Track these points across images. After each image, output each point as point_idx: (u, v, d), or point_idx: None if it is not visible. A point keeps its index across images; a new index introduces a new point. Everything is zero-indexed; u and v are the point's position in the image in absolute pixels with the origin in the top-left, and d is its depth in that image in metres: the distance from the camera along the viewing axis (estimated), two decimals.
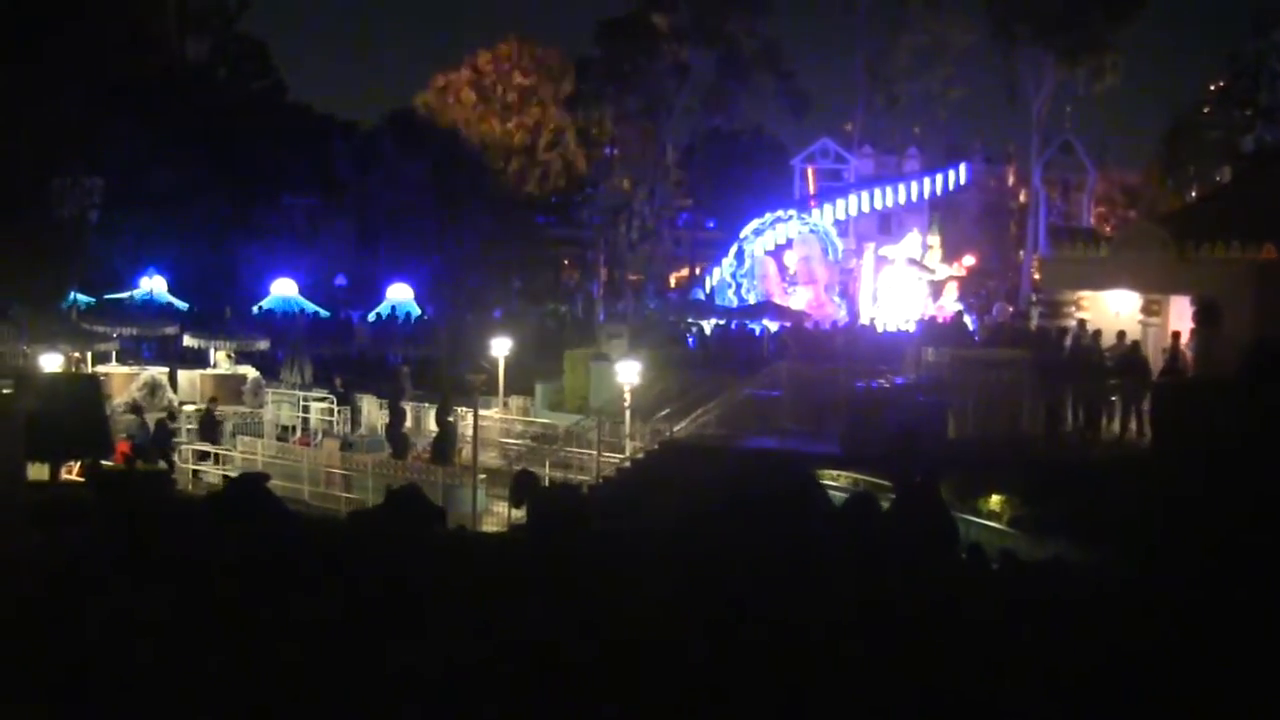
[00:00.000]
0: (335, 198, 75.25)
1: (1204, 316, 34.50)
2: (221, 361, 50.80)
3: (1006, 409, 34.61)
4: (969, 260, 71.15)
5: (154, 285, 63.80)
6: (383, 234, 73.83)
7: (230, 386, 48.43)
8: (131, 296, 63.23)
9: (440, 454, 39.20)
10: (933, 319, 56.85)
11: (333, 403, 45.00)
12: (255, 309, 64.01)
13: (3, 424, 22.30)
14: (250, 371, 49.43)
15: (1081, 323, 38.88)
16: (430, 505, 24.03)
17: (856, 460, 31.46)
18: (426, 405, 44.30)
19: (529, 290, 76.60)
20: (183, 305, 62.52)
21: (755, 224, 65.35)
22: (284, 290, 66.73)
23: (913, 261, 66.41)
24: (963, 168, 72.22)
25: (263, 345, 51.54)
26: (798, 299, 64.00)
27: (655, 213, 70.98)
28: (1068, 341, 37.19)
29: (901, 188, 70.66)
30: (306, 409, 46.72)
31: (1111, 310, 39.38)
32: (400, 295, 67.86)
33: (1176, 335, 35.46)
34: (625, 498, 32.12)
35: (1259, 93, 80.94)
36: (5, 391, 30.14)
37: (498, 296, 70.31)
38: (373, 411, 45.94)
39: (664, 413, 37.98)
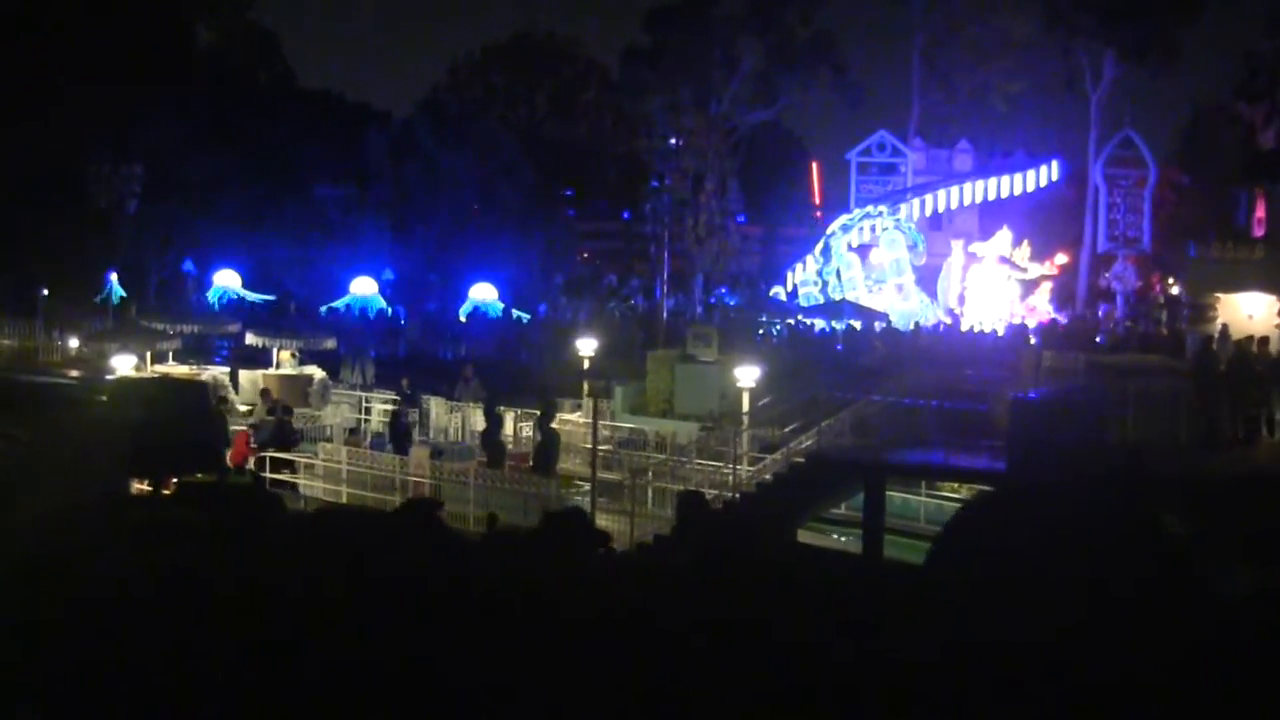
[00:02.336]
0: (389, 189, 73.18)
1: None
2: (285, 361, 48.20)
3: (1165, 420, 32.08)
4: (1061, 259, 68.77)
5: (226, 280, 60.38)
6: (436, 229, 71.71)
7: (296, 387, 45.77)
8: (199, 292, 60.61)
9: (543, 463, 36.70)
10: (1052, 321, 54.49)
11: (399, 404, 42.38)
12: (325, 308, 61.64)
13: (105, 436, 20.13)
14: (316, 372, 46.94)
15: (1224, 328, 36.53)
16: (593, 529, 22.28)
17: (1029, 480, 29.05)
18: (507, 409, 41.66)
19: (587, 286, 74.39)
20: (257, 298, 59.70)
21: (844, 219, 63.38)
22: (363, 289, 64.06)
23: (1004, 259, 63.96)
24: (1055, 164, 70.02)
25: (330, 344, 49.01)
26: (883, 298, 61.83)
27: (722, 207, 68.83)
28: (1214, 347, 34.72)
29: (993, 183, 68.56)
30: (368, 411, 44.63)
31: (1244, 313, 37.10)
32: (483, 295, 65.25)
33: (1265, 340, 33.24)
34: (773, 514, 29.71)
35: (1277, 91, 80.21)
36: (102, 398, 27.76)
37: (576, 293, 68.07)
38: (440, 414, 43.63)
39: (790, 427, 35.00)
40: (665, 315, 61.54)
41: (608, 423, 42.51)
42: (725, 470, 34.00)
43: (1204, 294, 37.45)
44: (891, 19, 77.86)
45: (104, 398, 32.52)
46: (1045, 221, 72.67)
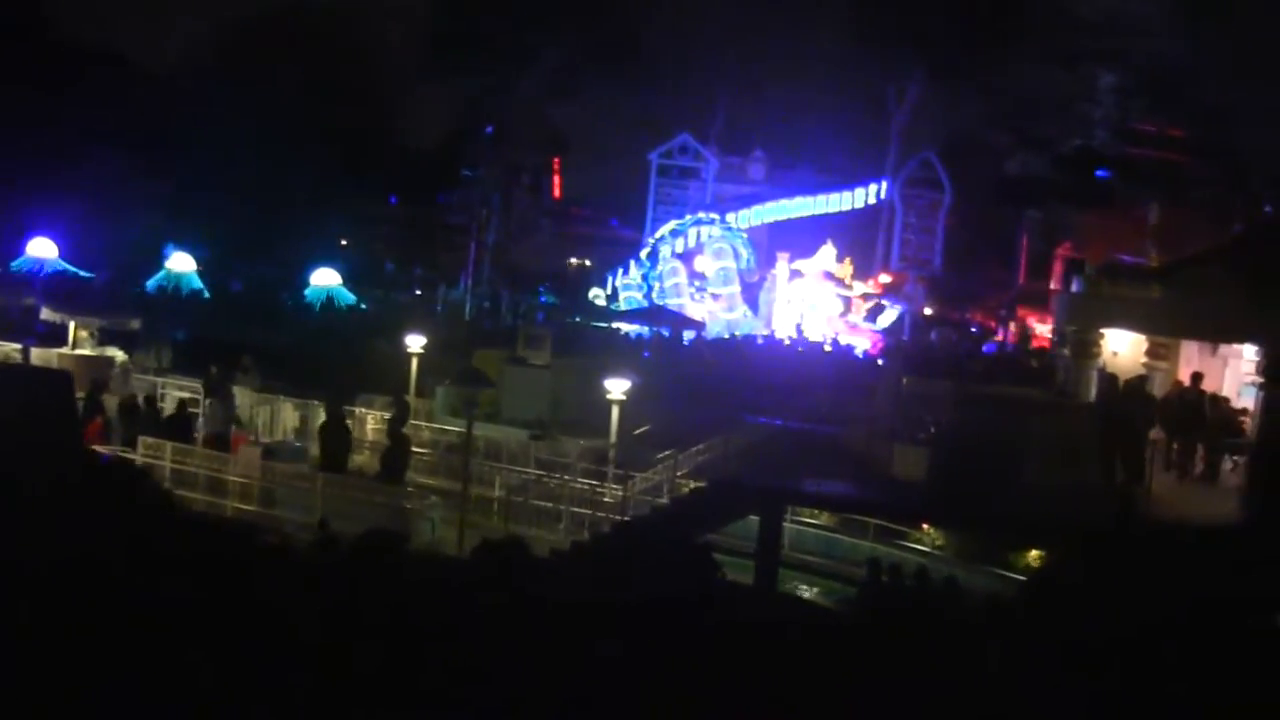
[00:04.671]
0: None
1: (1276, 372, 31.41)
2: (83, 341, 44.26)
3: (1069, 460, 30.96)
4: (885, 278, 68.20)
5: (41, 250, 54.56)
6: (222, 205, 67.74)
7: (96, 370, 41.74)
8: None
9: (392, 470, 33.95)
10: (898, 343, 53.60)
11: (199, 393, 39.05)
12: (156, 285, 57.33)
13: None
14: (118, 354, 43.31)
15: (1104, 366, 35.73)
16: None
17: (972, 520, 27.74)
18: (316, 404, 38.46)
19: (366, 275, 71.13)
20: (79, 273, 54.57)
21: (673, 224, 61.80)
22: (180, 265, 59.76)
23: (828, 275, 62.97)
24: (884, 184, 69.56)
25: (135, 325, 45.24)
26: (708, 306, 60.38)
27: (538, 203, 66.76)
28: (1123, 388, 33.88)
29: (819, 199, 67.83)
30: (163, 398, 41.03)
31: (1110, 350, 36.32)
32: (326, 280, 61.38)
33: (1198, 378, 32.60)
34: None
35: (1031, 121, 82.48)
36: None
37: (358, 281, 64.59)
38: (244, 406, 40.30)
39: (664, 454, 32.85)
40: (471, 310, 59.04)
41: (428, 425, 40.01)
42: (600, 490, 31.96)
43: (1083, 328, 36.39)
44: (705, 26, 76.82)
45: None
46: (836, 239, 72.34)
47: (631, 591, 20.25)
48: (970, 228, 75.50)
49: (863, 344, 57.43)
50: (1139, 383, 32.48)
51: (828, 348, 52.27)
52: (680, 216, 66.72)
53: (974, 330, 69.93)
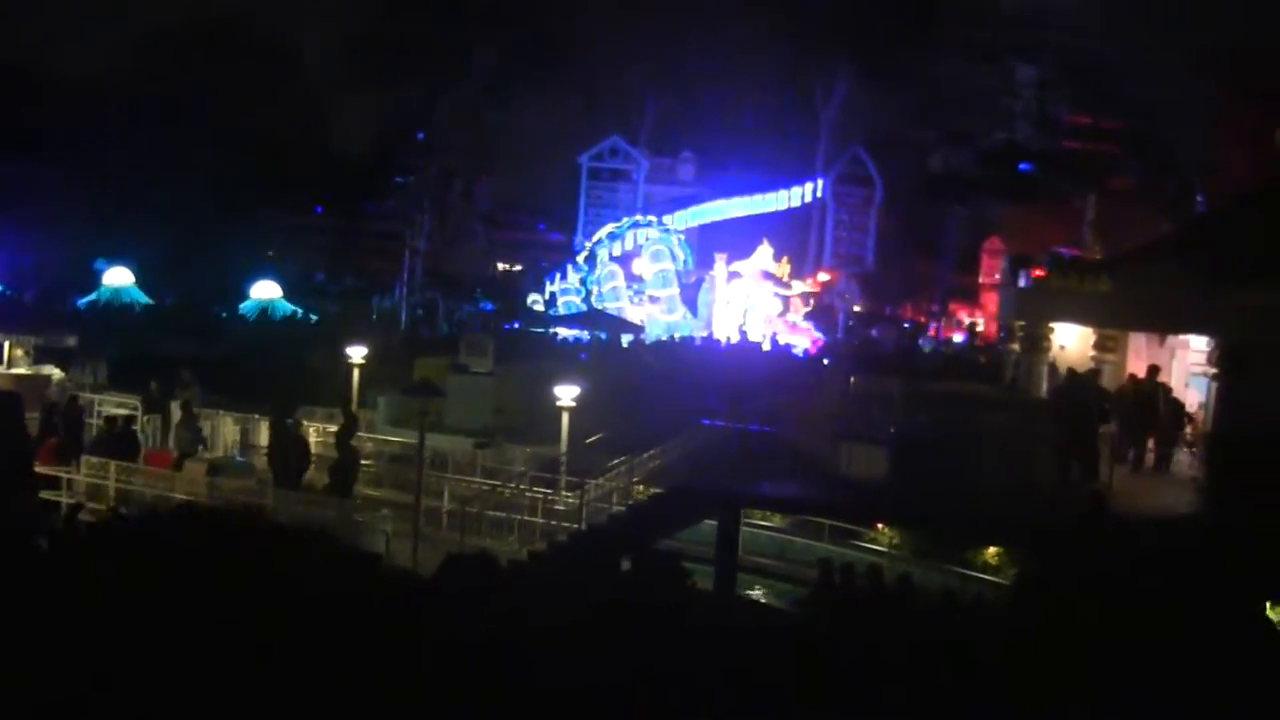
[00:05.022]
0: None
1: (1230, 363, 31.47)
2: (19, 359, 43.38)
3: (1022, 456, 30.87)
4: (824, 276, 68.07)
5: None
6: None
7: (33, 389, 40.88)
8: None
9: (341, 484, 33.34)
10: (839, 341, 53.46)
11: (138, 409, 38.36)
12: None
13: None
14: (55, 372, 42.43)
15: (1054, 361, 35.70)
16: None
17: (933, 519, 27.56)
18: (257, 417, 38.09)
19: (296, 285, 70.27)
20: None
21: (610, 228, 61.32)
22: (117, 280, 58.58)
23: (767, 275, 62.65)
24: (821, 182, 69.42)
25: (71, 341, 44.42)
26: (647, 309, 60.03)
27: (470, 209, 66.14)
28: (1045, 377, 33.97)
29: (757, 199, 67.61)
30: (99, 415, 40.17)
31: (1056, 344, 36.31)
32: (267, 292, 60.52)
33: (1155, 370, 32.62)
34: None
35: (952, 117, 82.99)
36: None
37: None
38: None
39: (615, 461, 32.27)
40: (404, 317, 58.39)
41: (369, 435, 39.43)
42: (554, 498, 31.46)
43: (1032, 323, 36.29)
44: (632, 29, 76.59)
45: None
46: (767, 238, 72.26)
47: (606, 601, 20.00)
48: (899, 224, 75.70)
49: (803, 343, 57.28)
50: (1093, 377, 32.45)
51: (766, 347, 51.99)
52: (611, 219, 66.50)
53: (907, 326, 70.07)
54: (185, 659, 12.34)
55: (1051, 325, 35.57)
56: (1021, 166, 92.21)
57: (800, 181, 70.74)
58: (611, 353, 50.48)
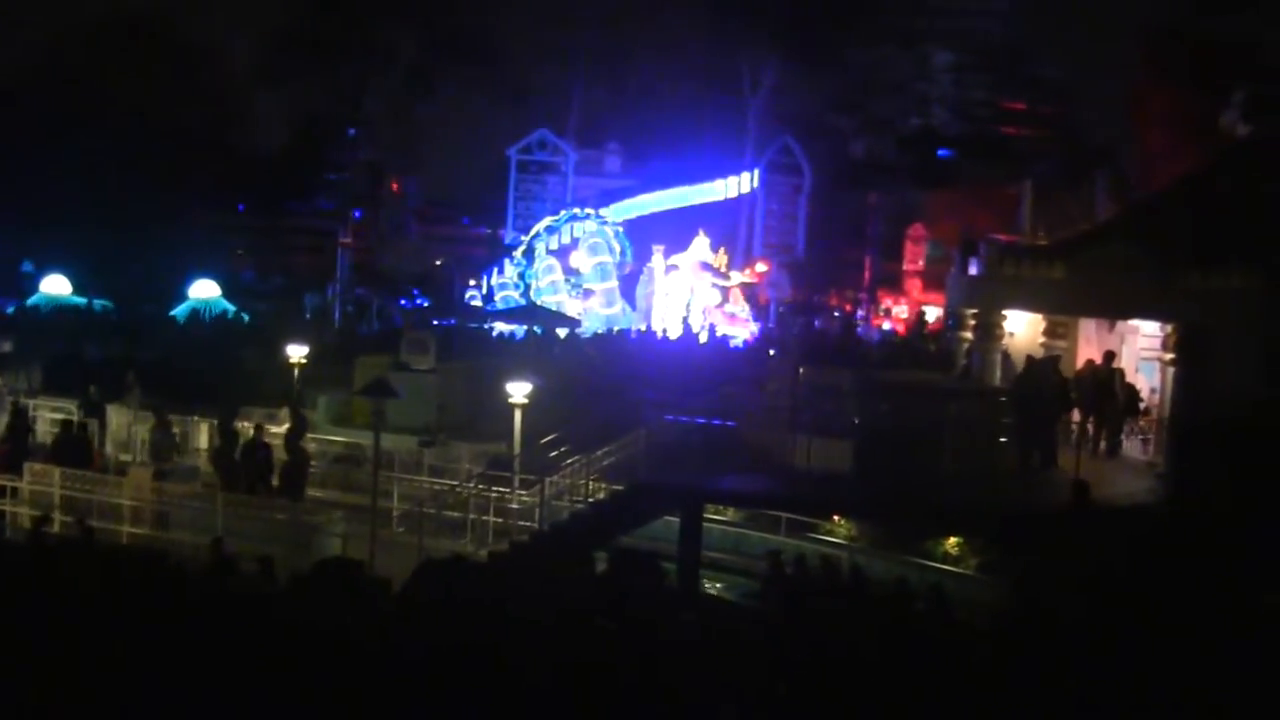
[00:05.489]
0: None
1: (1187, 349, 31.49)
2: None
3: (984, 446, 30.81)
4: (762, 267, 67.87)
5: None
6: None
7: None
8: None
9: (291, 486, 32.81)
10: (788, 331, 53.27)
11: (76, 414, 37.69)
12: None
13: None
14: None
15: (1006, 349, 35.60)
16: None
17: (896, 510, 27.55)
18: (196, 419, 38.30)
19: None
20: None
21: (548, 221, 60.82)
22: (54, 287, 57.90)
23: (705, 266, 62.24)
24: (756, 172, 69.25)
25: (6, 347, 43.63)
26: (585, 302, 59.69)
27: (404, 204, 65.56)
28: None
29: (692, 190, 67.38)
30: (34, 421, 39.47)
31: (1006, 331, 36.16)
32: (206, 292, 59.52)
33: (1111, 356, 32.71)
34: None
35: (869, 101, 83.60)
36: None
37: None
38: (121, 426, 38.90)
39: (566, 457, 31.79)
40: (337, 315, 57.67)
41: (311, 435, 38.80)
42: (508, 496, 31.06)
43: (984, 310, 36.08)
44: (556, 19, 76.36)
45: None
46: (698, 228, 72.14)
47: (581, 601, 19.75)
48: (824, 211, 75.76)
49: (742, 334, 57.11)
50: (1053, 363, 32.47)
51: (704, 339, 51.78)
52: (541, 212, 66.31)
53: (837, 315, 70.17)
54: None
55: (1004, 313, 35.38)
56: (940, 152, 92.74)
57: (735, 171, 70.50)
58: (551, 347, 50.13)
